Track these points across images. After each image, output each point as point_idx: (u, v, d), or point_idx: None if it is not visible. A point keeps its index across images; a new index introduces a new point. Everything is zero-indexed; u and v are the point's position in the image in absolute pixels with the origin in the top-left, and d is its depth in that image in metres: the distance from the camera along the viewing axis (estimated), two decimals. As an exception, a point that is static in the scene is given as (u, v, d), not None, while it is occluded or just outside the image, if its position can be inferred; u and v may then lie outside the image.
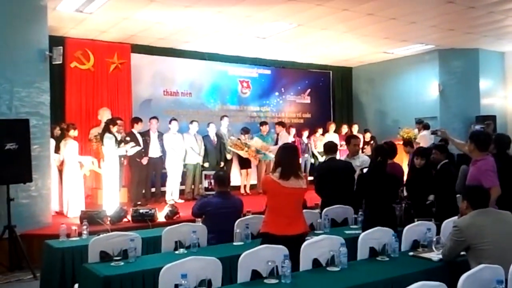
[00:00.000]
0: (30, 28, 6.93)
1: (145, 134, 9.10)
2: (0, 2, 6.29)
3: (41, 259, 5.00)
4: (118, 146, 7.82)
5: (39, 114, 6.85)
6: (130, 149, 8.28)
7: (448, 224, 4.30)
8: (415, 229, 4.27)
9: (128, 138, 8.26)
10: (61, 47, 7.62)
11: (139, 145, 8.74)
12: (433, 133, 6.37)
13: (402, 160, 8.60)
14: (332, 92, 13.81)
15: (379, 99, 13.33)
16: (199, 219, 4.93)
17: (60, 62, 7.67)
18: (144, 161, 8.93)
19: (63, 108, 9.52)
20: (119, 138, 7.95)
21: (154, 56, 10.71)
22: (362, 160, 5.97)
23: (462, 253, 3.61)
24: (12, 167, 5.93)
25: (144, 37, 9.92)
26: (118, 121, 8.42)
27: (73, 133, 7.90)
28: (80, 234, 4.96)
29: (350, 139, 6.44)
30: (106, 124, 7.94)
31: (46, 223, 6.86)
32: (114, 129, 7.85)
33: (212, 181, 7.84)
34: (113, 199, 7.55)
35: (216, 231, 4.71)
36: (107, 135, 7.70)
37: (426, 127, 10.23)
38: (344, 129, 11.75)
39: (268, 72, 12.56)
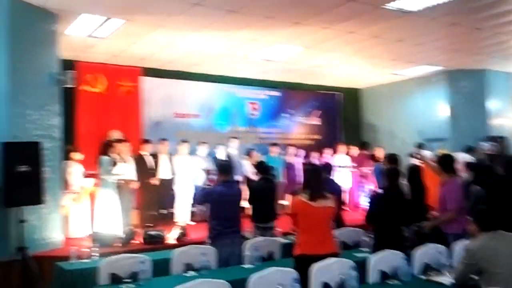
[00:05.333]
0: (41, 52, 7.07)
1: (155, 156, 9.16)
2: (12, 27, 6.41)
3: (52, 281, 5.01)
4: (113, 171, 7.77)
5: (51, 137, 6.94)
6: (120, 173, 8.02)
7: (459, 247, 4.28)
8: (426, 252, 4.25)
9: (120, 163, 8.04)
10: (72, 71, 7.74)
11: (143, 168, 8.73)
12: (411, 156, 6.40)
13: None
14: (341, 113, 13.86)
15: (388, 120, 13.35)
16: (208, 242, 4.93)
17: (72, 85, 7.77)
18: (155, 182, 8.96)
19: (74, 131, 9.61)
20: (117, 162, 7.90)
21: (164, 79, 10.84)
22: None
23: (475, 277, 3.57)
24: (24, 189, 5.99)
25: (154, 61, 10.06)
26: (124, 143, 8.48)
27: (76, 156, 7.96)
28: (90, 256, 4.98)
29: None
30: (103, 146, 7.95)
31: (58, 244, 6.89)
32: (112, 150, 7.83)
33: (213, 176, 7.93)
34: (108, 221, 7.48)
35: (220, 218, 4.90)
36: (102, 157, 7.72)
37: (421, 146, 10.28)
38: (354, 150, 11.71)
39: (277, 93, 12.65)
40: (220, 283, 3.34)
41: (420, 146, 10.49)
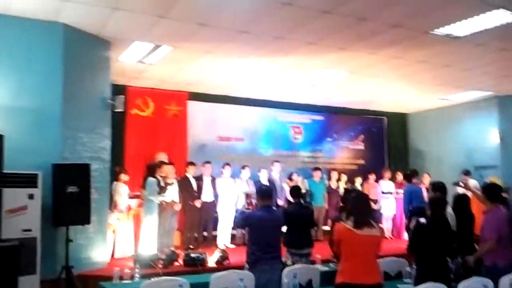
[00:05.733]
0: (94, 77, 7.40)
1: (199, 178, 9.31)
2: (67, 54, 6.71)
3: (96, 300, 5.16)
4: (160, 192, 7.98)
5: (100, 159, 7.20)
6: (165, 195, 8.25)
7: (505, 280, 4.12)
8: (470, 286, 4.10)
9: (168, 185, 8.29)
10: (123, 96, 8.05)
11: (188, 190, 8.90)
12: (456, 184, 6.21)
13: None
14: (387, 138, 13.66)
15: (436, 146, 13.02)
16: (247, 267, 4.94)
17: (122, 110, 8.05)
18: (198, 204, 9.09)
19: (122, 153, 9.92)
20: (162, 183, 8.12)
21: (209, 103, 11.06)
22: None
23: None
24: (72, 209, 6.21)
25: (200, 85, 10.30)
26: (169, 166, 8.68)
27: (123, 177, 8.21)
28: (132, 277, 5.09)
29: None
30: (149, 168, 8.15)
31: (102, 264, 7.09)
32: (158, 172, 8.04)
33: (253, 200, 7.96)
34: (151, 242, 7.66)
35: (259, 243, 4.87)
36: (149, 179, 7.90)
37: (467, 173, 10.00)
38: (399, 176, 11.46)
39: (320, 118, 12.64)
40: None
41: (467, 173, 10.17)
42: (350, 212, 4.11)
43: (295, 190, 6.53)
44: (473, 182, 9.15)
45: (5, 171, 5.33)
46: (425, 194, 9.15)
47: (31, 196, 5.79)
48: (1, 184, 5.32)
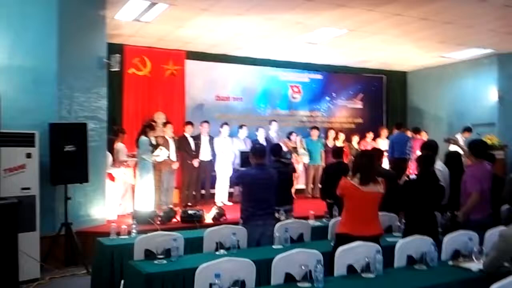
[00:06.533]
0: (89, 36, 7.35)
1: (197, 138, 9.39)
2: (61, 11, 6.63)
3: (93, 255, 5.30)
4: (152, 152, 8.08)
5: (97, 118, 7.24)
6: (159, 153, 8.34)
7: (491, 235, 4.21)
8: (456, 239, 4.20)
9: (160, 145, 8.40)
10: (119, 55, 8.01)
11: (186, 149, 9.02)
12: (446, 141, 6.26)
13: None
14: (386, 97, 13.62)
15: (435, 104, 13.00)
16: (240, 222, 5.06)
17: (118, 69, 8.02)
18: (196, 163, 9.19)
19: (120, 112, 9.96)
20: (154, 143, 8.21)
21: (207, 62, 11.00)
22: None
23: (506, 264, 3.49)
24: (70, 168, 6.30)
25: (198, 44, 10.21)
26: (168, 125, 8.74)
27: (121, 136, 8.33)
28: (129, 233, 5.21)
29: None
30: (143, 128, 8.22)
31: (101, 221, 7.24)
32: (151, 133, 8.14)
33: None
34: (145, 201, 7.78)
35: (254, 200, 5.02)
36: (141, 138, 7.97)
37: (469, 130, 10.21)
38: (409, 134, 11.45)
39: (319, 77, 12.57)
40: (244, 261, 3.45)
41: (468, 130, 10.24)
42: (356, 169, 4.20)
43: (274, 149, 6.49)
44: (461, 139, 9.27)
45: (2, 130, 5.38)
46: (409, 143, 9.70)
47: (29, 155, 5.85)
48: (-1, 143, 5.39)
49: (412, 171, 9.81)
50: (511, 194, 5.45)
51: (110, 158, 7.92)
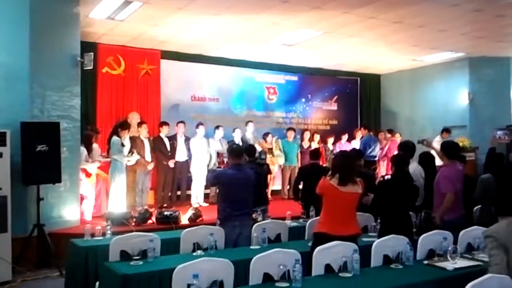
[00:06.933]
0: (63, 34, 7.21)
1: (172, 138, 9.32)
2: (34, 9, 6.51)
3: (67, 257, 5.20)
4: (124, 152, 8.01)
5: (70, 118, 7.11)
6: (130, 158, 8.25)
7: (464, 235, 4.31)
8: (431, 238, 4.27)
9: (133, 149, 8.33)
10: (92, 53, 7.87)
11: (161, 150, 8.93)
12: (419, 142, 6.40)
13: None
14: (360, 99, 13.77)
15: (408, 106, 13.21)
16: (218, 223, 5.03)
17: (91, 67, 7.89)
18: (171, 164, 9.11)
19: (94, 112, 9.80)
20: (127, 143, 8.13)
21: (183, 62, 10.92)
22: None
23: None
24: (43, 168, 6.16)
25: (173, 44, 10.13)
26: (144, 125, 8.66)
27: (95, 136, 8.19)
28: (104, 234, 5.13)
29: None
30: (115, 127, 8.10)
31: (74, 222, 7.09)
32: (124, 133, 8.04)
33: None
34: (118, 202, 7.67)
35: (230, 201, 5.00)
36: (113, 138, 7.85)
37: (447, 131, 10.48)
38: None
39: (295, 78, 12.63)
40: (222, 261, 3.43)
41: (447, 131, 10.50)
42: (335, 170, 4.23)
43: (248, 149, 6.42)
44: (435, 141, 9.46)
45: (-29, 128, 5.25)
46: (377, 145, 10.65)
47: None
48: (-32, 142, 5.24)
49: (379, 171, 10.12)
50: (483, 195, 5.58)
51: (85, 153, 7.71)
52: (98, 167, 7.99)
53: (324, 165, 9.02)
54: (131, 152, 8.21)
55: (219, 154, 9.27)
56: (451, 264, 3.82)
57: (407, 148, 5.82)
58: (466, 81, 11.75)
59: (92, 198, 7.75)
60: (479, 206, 5.78)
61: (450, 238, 4.23)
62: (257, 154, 6.64)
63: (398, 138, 11.03)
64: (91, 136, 8.07)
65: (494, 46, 10.39)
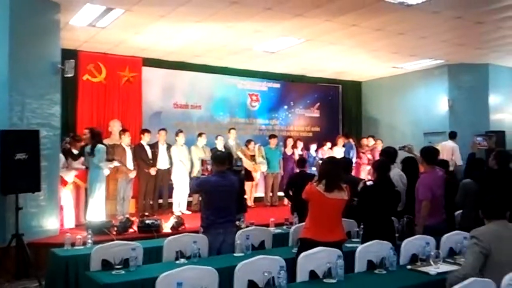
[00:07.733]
0: (43, 41, 7.11)
1: (154, 146, 9.24)
2: (14, 15, 6.44)
3: (47, 267, 5.09)
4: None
5: (50, 125, 7.00)
6: (111, 165, 8.16)
7: (446, 240, 4.34)
8: (414, 243, 4.30)
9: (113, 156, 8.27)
10: (73, 60, 7.78)
11: (142, 158, 8.88)
12: (401, 149, 6.47)
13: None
14: (342, 106, 13.86)
15: (389, 113, 13.35)
16: (201, 231, 4.99)
17: (72, 75, 7.79)
18: (153, 172, 9.03)
19: (74, 120, 9.68)
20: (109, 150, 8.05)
21: (165, 70, 10.88)
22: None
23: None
24: (22, 176, 6.05)
25: (155, 51, 10.08)
26: (126, 133, 8.61)
27: (76, 144, 8.07)
28: (85, 243, 5.05)
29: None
30: (98, 135, 7.95)
31: (54, 232, 6.97)
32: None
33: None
34: (98, 211, 7.53)
35: (214, 208, 4.95)
36: (99, 146, 7.70)
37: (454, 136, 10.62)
38: (353, 142, 11.83)
39: (277, 85, 12.67)
40: (207, 269, 3.40)
41: (453, 135, 10.64)
42: (322, 176, 4.24)
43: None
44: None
45: None
46: (351, 151, 11.45)
47: (-23, 163, 5.61)
48: None
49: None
50: (464, 200, 5.63)
51: (62, 160, 7.59)
52: (76, 176, 7.88)
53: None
54: (111, 160, 8.11)
55: (203, 162, 9.21)
56: (434, 269, 3.85)
57: (388, 154, 5.86)
58: (445, 88, 11.92)
59: (70, 207, 7.62)
60: (461, 211, 5.83)
61: (433, 243, 4.27)
62: (233, 161, 6.60)
63: (379, 145, 11.14)
64: (70, 144, 7.99)
65: (473, 53, 10.57)
